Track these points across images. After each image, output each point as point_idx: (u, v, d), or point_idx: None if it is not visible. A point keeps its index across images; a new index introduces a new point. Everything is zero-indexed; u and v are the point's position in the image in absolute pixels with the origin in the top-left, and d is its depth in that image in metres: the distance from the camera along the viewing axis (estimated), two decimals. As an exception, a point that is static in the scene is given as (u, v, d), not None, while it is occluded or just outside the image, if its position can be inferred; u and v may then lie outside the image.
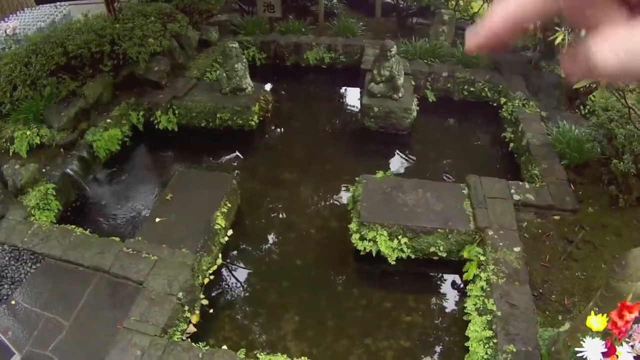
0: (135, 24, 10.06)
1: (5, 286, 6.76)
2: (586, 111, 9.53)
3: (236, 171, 9.36)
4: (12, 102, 8.59)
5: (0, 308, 6.50)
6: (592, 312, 3.91)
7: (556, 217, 7.49)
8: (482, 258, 6.71)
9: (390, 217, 7.09)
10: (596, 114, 8.28)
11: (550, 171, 8.11)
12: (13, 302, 6.56)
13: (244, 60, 10.18)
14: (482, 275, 6.54)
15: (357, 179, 7.86)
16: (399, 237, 6.99)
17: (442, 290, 7.16)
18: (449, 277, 7.28)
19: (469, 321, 6.27)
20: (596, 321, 3.75)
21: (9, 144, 8.49)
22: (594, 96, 9.26)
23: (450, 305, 6.92)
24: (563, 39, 7.87)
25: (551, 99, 10.18)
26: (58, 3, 12.05)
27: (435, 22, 12.04)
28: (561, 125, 8.78)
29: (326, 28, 13.06)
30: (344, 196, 8.67)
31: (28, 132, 8.40)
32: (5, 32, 10.02)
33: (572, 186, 7.88)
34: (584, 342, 3.64)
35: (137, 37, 9.82)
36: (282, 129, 10.82)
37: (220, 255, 7.43)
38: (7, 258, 7.09)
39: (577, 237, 7.08)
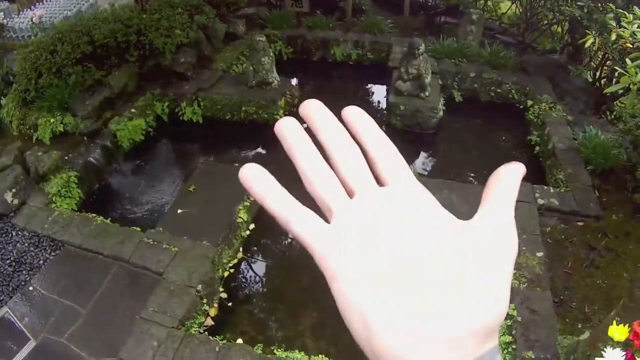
0: (162, 15, 10.01)
1: (24, 272, 6.76)
2: (613, 117, 9.41)
3: (261, 165, 9.16)
4: (36, 90, 8.59)
5: (17, 294, 6.50)
6: (614, 322, 3.83)
7: (580, 223, 7.36)
8: (504, 262, 6.59)
9: (413, 216, 6.96)
10: (623, 120, 8.14)
11: (575, 176, 7.98)
12: (31, 289, 6.56)
13: (271, 54, 10.14)
14: (504, 279, 6.43)
15: (381, 177, 7.74)
16: (424, 237, 6.87)
17: (463, 293, 7.03)
18: (471, 281, 7.15)
19: (489, 325, 6.16)
20: (618, 331, 3.67)
21: (32, 130, 8.50)
22: (621, 102, 9.12)
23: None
24: (593, 43, 7.78)
25: (577, 103, 10.06)
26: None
27: (464, 21, 11.93)
28: (587, 131, 8.65)
29: (353, 24, 13.00)
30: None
31: (52, 120, 8.40)
32: (32, 20, 10.02)
33: (596, 192, 7.77)
34: (604, 352, 3.56)
35: (163, 27, 9.77)
36: (308, 124, 10.64)
37: (241, 249, 7.36)
38: (26, 244, 7.10)
39: (600, 244, 6.96)
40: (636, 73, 6.03)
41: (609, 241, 6.98)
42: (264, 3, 14.25)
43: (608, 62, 9.92)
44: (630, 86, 6.22)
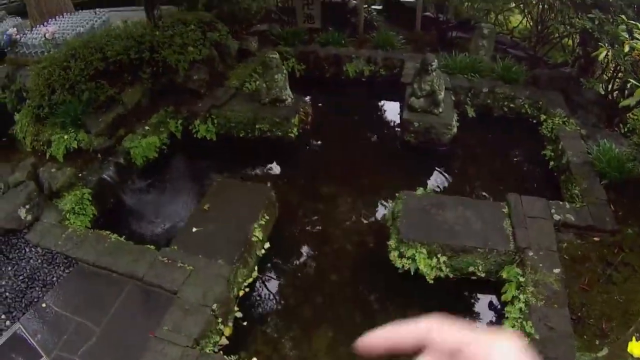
0: (175, 32, 10.04)
1: (37, 289, 6.77)
2: (626, 129, 9.36)
3: (275, 183, 9.26)
4: (50, 106, 8.61)
5: (30, 310, 6.51)
6: (633, 338, 3.80)
7: (596, 239, 7.30)
8: (521, 279, 6.54)
9: (429, 234, 6.97)
10: (637, 133, 8.09)
11: (591, 191, 7.95)
12: (44, 305, 6.57)
13: (284, 71, 10.16)
14: (521, 297, 6.37)
15: (397, 194, 7.75)
16: (438, 255, 6.85)
17: (479, 311, 7.01)
18: (487, 298, 7.13)
19: (507, 344, 6.12)
20: (637, 347, 3.66)
21: (46, 147, 8.52)
22: (634, 114, 9.07)
23: (487, 326, 6.73)
24: (605, 55, 7.74)
25: (590, 116, 10.02)
26: (97, 9, 12.08)
27: (475, 36, 11.94)
28: (601, 144, 8.63)
29: (365, 40, 13.02)
30: (382, 211, 8.60)
31: (66, 137, 8.40)
32: (45, 36, 10.03)
33: (612, 206, 7.71)
34: (623, 368, 3.54)
35: (176, 44, 9.80)
36: (321, 142, 10.74)
37: (256, 267, 7.35)
38: (40, 260, 7.12)
39: (616, 259, 6.90)
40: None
41: (625, 255, 6.92)
42: (277, 20, 14.28)
43: (620, 74, 9.88)
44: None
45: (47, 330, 6.27)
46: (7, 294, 6.71)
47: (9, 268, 7.05)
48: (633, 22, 7.27)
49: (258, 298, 7.16)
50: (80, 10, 12.26)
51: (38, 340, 6.13)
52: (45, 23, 10.92)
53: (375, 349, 0.96)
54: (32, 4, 12.11)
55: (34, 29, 10.82)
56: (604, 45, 7.87)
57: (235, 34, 11.99)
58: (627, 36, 7.16)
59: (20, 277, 6.91)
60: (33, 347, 6.06)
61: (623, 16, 7.83)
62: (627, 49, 6.93)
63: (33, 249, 7.28)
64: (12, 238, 7.47)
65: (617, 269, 6.79)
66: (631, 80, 7.00)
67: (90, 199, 8.10)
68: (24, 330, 6.27)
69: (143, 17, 10.72)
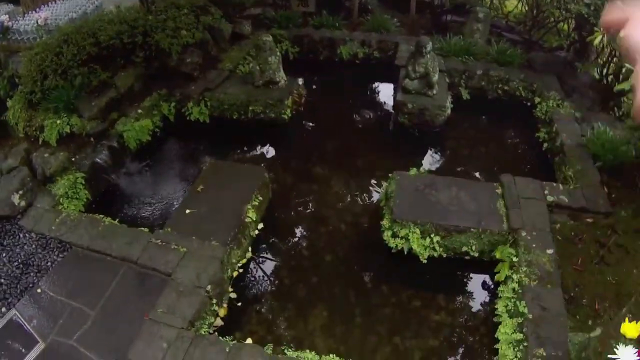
0: (168, 16, 9.98)
1: (32, 274, 6.78)
2: (621, 113, 9.36)
3: (268, 164, 9.25)
4: (42, 91, 8.56)
5: (25, 296, 6.51)
6: (626, 319, 3.81)
7: (589, 220, 7.32)
8: (514, 259, 6.58)
9: (423, 214, 6.98)
10: (632, 116, 8.09)
11: (584, 173, 7.95)
12: (39, 291, 6.58)
13: (278, 53, 10.13)
14: (514, 276, 6.42)
15: (390, 175, 7.76)
16: (432, 235, 6.87)
17: (472, 291, 7.03)
18: (480, 278, 7.16)
19: (499, 323, 6.17)
20: (630, 328, 3.67)
21: (38, 132, 8.48)
22: (628, 98, 9.06)
23: (480, 306, 6.80)
24: (601, 40, 7.73)
25: (585, 100, 10.02)
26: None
27: (470, 19, 11.92)
28: (596, 127, 8.62)
29: (360, 23, 12.99)
30: (376, 192, 8.62)
31: (58, 121, 8.37)
32: (37, 22, 9.99)
33: (605, 189, 7.71)
34: (616, 349, 3.54)
35: (169, 28, 9.75)
36: (315, 123, 10.72)
37: (250, 248, 7.36)
38: (34, 246, 7.12)
39: (609, 240, 6.91)
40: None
41: (619, 237, 6.93)
42: (270, 3, 14.20)
43: (615, 58, 9.88)
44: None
45: (42, 316, 6.28)
46: (2, 280, 6.71)
47: (4, 254, 7.04)
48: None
49: (252, 279, 7.17)
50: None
51: (34, 326, 6.14)
52: (37, 9, 10.88)
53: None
54: (24, -10, 12.08)
55: (26, 15, 10.77)
56: (599, 30, 7.85)
57: (228, 18, 11.93)
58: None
59: (15, 263, 6.91)
60: (29, 333, 6.06)
61: (620, 2, 7.81)
62: (622, 34, 6.91)
63: (27, 235, 7.28)
64: (6, 224, 7.46)
65: (610, 250, 6.80)
66: (626, 64, 6.97)
67: (84, 183, 8.08)
68: (20, 316, 6.28)
69: (136, 1, 10.67)
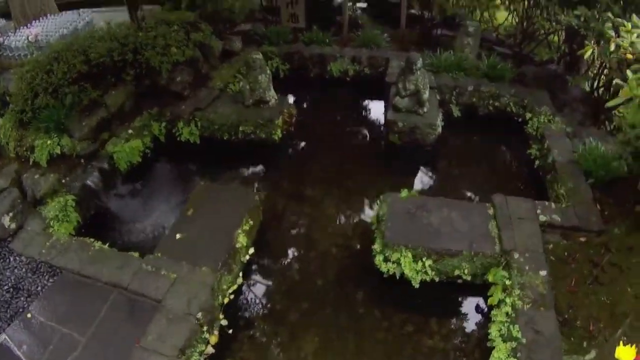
0: (158, 33, 9.93)
1: (22, 298, 6.75)
2: (612, 127, 9.37)
3: (259, 186, 9.27)
4: (33, 110, 8.52)
5: (16, 321, 6.49)
6: (621, 342, 3.82)
7: (582, 239, 7.30)
8: (507, 282, 6.56)
9: (415, 238, 6.95)
10: (623, 131, 8.08)
11: (577, 190, 7.94)
12: (29, 316, 6.55)
13: (268, 71, 10.12)
14: (507, 300, 6.39)
15: (381, 197, 7.74)
16: (424, 259, 6.85)
17: (465, 315, 7.01)
18: (473, 301, 7.14)
19: (493, 347, 6.13)
20: (625, 352, 3.68)
21: (29, 152, 8.44)
22: (620, 111, 9.08)
23: (473, 330, 6.78)
24: (592, 53, 7.73)
25: (576, 114, 10.04)
26: (81, 10, 12.03)
27: (460, 34, 11.94)
28: (587, 143, 8.63)
29: (350, 39, 13.00)
30: (367, 214, 8.60)
31: (49, 142, 8.33)
32: (28, 38, 9.99)
33: (598, 206, 7.70)
34: (611, 373, 3.56)
35: (160, 46, 9.71)
36: (306, 143, 10.69)
37: (241, 274, 7.33)
38: (24, 270, 7.10)
39: (603, 259, 6.90)
40: (638, 85, 5.98)
41: (612, 256, 6.90)
42: (260, 19, 14.23)
43: (606, 70, 9.90)
44: (633, 100, 6.20)
45: (33, 341, 6.25)
46: (-7, 304, 6.69)
47: (-5, 278, 7.02)
48: (620, 19, 7.26)
49: (243, 305, 7.14)
50: (63, 12, 12.21)
51: (24, 351, 6.12)
52: (28, 25, 10.88)
53: None
54: (16, 6, 12.07)
55: (17, 31, 10.78)
56: (590, 43, 7.86)
57: (219, 34, 11.93)
58: (613, 34, 7.15)
59: (5, 287, 6.89)
60: (19, 358, 6.04)
61: (609, 14, 7.83)
62: (613, 47, 6.91)
63: (17, 258, 7.25)
64: (-4, 247, 7.44)
65: (603, 269, 6.78)
66: (617, 80, 6.97)
67: (74, 205, 8.03)
68: (10, 341, 6.25)
69: (127, 17, 10.65)
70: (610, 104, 6.96)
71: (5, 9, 12.76)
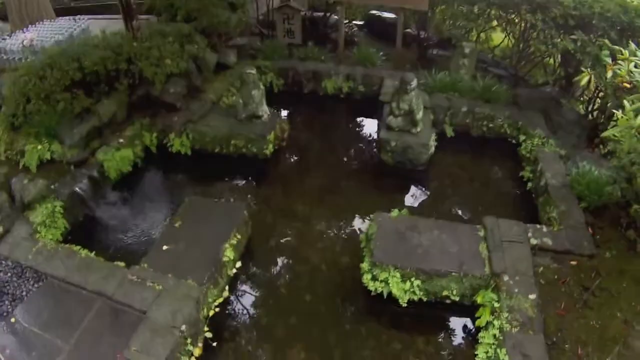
0: (153, 44, 9.94)
1: (6, 302, 6.73)
2: (606, 151, 9.36)
3: (248, 200, 9.21)
4: (24, 115, 8.52)
5: (-1, 324, 6.41)
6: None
7: (573, 263, 7.29)
8: (495, 305, 6.53)
9: (403, 258, 6.94)
10: (617, 156, 8.07)
11: (569, 214, 7.94)
12: (13, 320, 6.50)
13: (261, 87, 10.14)
14: (495, 322, 6.36)
15: (371, 216, 7.74)
16: (412, 279, 6.83)
17: (452, 335, 6.95)
18: (461, 322, 7.09)
19: (479, 370, 6.10)
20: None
21: (19, 156, 8.42)
22: (615, 135, 9.07)
23: (460, 351, 6.71)
24: (588, 80, 7.72)
25: (570, 137, 10.05)
26: (77, 17, 12.00)
27: (456, 54, 11.95)
28: (581, 166, 8.63)
29: (346, 56, 13.02)
30: (357, 232, 8.56)
31: (39, 147, 8.32)
32: (23, 42, 9.96)
33: (590, 230, 7.70)
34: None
35: (154, 57, 9.70)
36: (297, 159, 10.69)
37: (227, 287, 7.29)
38: (9, 274, 7.06)
39: (593, 283, 6.89)
40: (636, 116, 5.96)
41: (603, 280, 6.91)
42: (256, 33, 14.25)
43: (601, 93, 9.91)
44: (629, 130, 6.20)
45: (16, 346, 6.20)
46: (-23, 307, 6.63)
47: (-22, 282, 6.97)
48: (616, 46, 7.26)
49: (228, 318, 7.08)
50: (60, 18, 12.18)
51: (6, 356, 6.06)
52: (24, 29, 10.85)
53: None
54: (13, 9, 12.05)
55: (13, 34, 10.75)
56: (586, 67, 7.86)
57: (214, 47, 11.91)
58: (609, 61, 7.13)
59: (-10, 290, 6.85)
60: (2, 362, 6.01)
61: (606, 40, 7.82)
62: (610, 74, 6.89)
63: (3, 262, 7.20)
64: (-18, 251, 7.38)
65: (594, 293, 6.79)
66: (613, 110, 6.95)
67: (62, 212, 8.02)
68: (-7, 345, 6.22)
69: (122, 26, 10.63)
70: (605, 134, 6.96)
71: (3, 10, 12.77)
